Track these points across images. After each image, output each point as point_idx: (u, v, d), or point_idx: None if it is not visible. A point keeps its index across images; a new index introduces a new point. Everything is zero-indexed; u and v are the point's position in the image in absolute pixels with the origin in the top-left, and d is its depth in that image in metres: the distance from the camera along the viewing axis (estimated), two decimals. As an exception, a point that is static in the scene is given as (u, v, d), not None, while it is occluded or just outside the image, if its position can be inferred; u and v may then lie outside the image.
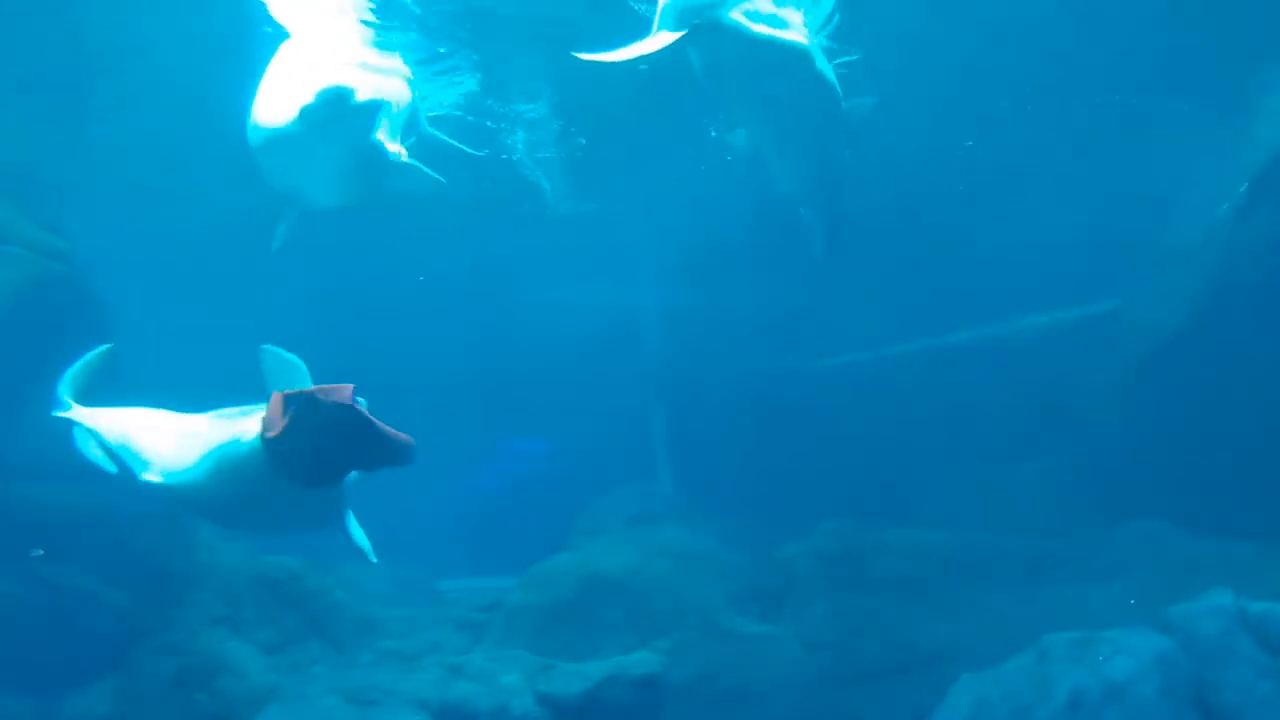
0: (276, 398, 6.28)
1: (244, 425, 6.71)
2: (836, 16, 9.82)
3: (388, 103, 9.13)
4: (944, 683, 9.43)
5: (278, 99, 8.66)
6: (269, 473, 6.47)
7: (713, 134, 11.77)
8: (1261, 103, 10.63)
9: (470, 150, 11.76)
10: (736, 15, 7.80)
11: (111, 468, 7.60)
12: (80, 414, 7.86)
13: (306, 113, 8.32)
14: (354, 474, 7.05)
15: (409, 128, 9.79)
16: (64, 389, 8.02)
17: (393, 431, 6.16)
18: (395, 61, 10.00)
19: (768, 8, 8.02)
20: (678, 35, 7.62)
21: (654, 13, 7.92)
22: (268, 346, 6.73)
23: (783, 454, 14.28)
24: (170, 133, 12.13)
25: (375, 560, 7.67)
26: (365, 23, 9.84)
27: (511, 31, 10.66)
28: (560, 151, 13.40)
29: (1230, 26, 10.78)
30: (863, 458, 13.43)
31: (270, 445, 6.29)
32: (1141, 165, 12.19)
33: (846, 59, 10.05)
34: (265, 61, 9.20)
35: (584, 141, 13.18)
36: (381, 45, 10.03)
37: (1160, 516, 11.14)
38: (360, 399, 6.12)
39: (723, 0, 7.75)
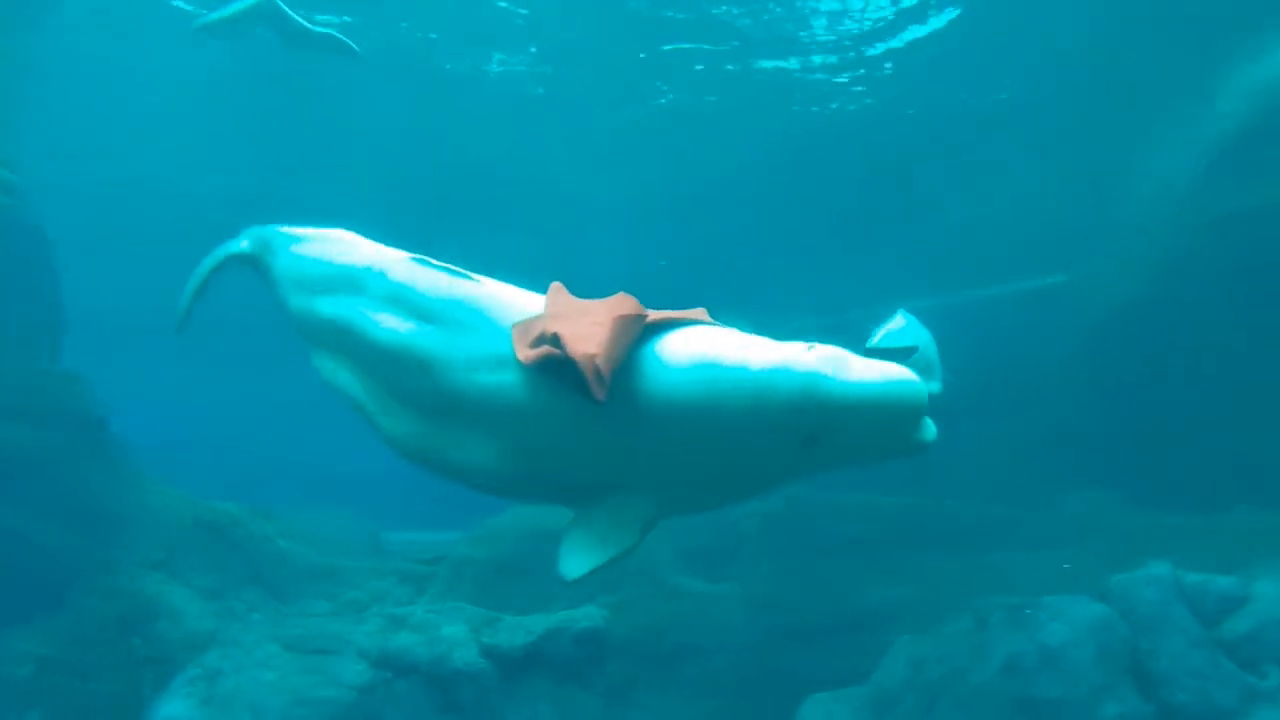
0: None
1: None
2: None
3: None
4: (885, 643, 9.56)
5: None
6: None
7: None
8: (1226, 76, 10.66)
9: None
10: None
11: None
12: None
13: None
14: None
15: None
16: None
17: None
18: None
19: None
20: None
21: None
22: None
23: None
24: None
25: None
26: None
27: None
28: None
29: (1199, 6, 10.83)
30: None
31: None
32: (1105, 139, 12.24)
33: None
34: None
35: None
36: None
37: (1104, 487, 11.29)
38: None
39: None
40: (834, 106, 14.69)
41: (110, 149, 15.19)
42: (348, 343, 5.07)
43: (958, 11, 12.31)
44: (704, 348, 4.14)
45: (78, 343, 11.57)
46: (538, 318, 4.41)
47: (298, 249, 5.57)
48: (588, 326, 4.15)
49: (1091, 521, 11.02)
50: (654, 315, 4.31)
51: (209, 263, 6.06)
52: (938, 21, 12.58)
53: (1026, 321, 13.03)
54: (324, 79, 13.76)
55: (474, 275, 4.82)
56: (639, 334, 4.20)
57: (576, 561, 4.23)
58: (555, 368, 4.15)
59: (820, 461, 4.06)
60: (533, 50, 13.87)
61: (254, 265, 5.97)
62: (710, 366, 4.06)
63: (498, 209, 16.37)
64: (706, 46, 13.49)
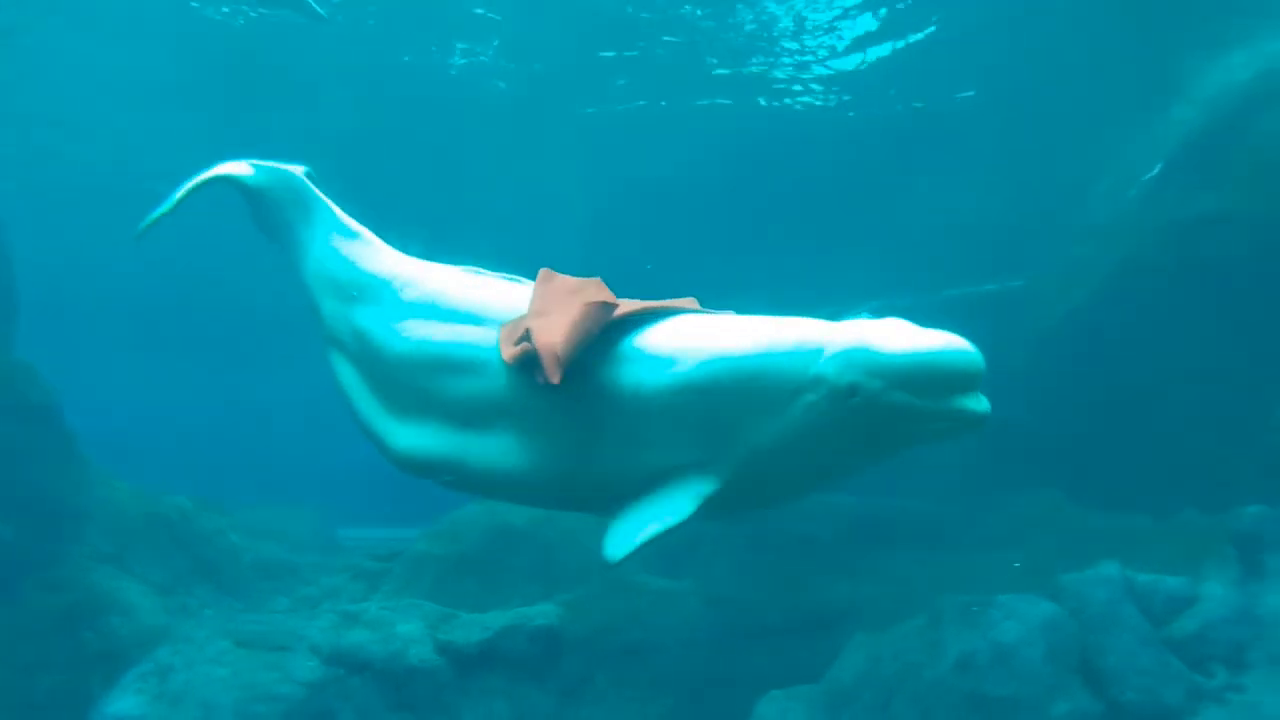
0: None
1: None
2: None
3: None
4: (841, 641, 9.62)
5: None
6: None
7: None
8: (1182, 84, 10.83)
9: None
10: None
11: None
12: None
13: None
14: None
15: None
16: None
17: None
18: None
19: None
20: None
21: None
22: None
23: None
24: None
25: None
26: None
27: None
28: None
29: (1157, 11, 10.98)
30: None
31: None
32: (1064, 144, 12.39)
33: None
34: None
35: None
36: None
37: (1056, 488, 11.42)
38: None
39: None
40: (797, 109, 14.77)
41: (59, 130, 14.96)
42: (377, 347, 4.83)
43: (931, 29, 12.42)
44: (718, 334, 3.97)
45: (30, 332, 11.40)
46: (523, 316, 4.35)
47: (339, 242, 5.30)
48: (558, 317, 4.13)
49: (1043, 522, 11.14)
50: (628, 306, 4.20)
51: (197, 180, 5.60)
52: (909, 34, 12.68)
53: (984, 324, 13.11)
54: (283, 67, 13.65)
55: (519, 279, 4.66)
56: (607, 320, 4.11)
57: (621, 540, 3.79)
58: (532, 364, 4.12)
59: (867, 444, 3.75)
60: (495, 43, 13.83)
61: (259, 203, 5.63)
62: (725, 352, 3.86)
63: (460, 204, 16.31)
64: (669, 39, 13.50)
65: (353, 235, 5.32)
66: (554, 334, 4.08)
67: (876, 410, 3.55)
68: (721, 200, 15.52)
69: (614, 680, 10.09)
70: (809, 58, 13.69)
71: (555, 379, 3.99)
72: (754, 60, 13.74)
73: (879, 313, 3.85)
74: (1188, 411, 10.28)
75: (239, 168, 5.66)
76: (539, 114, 14.71)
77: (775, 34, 13.27)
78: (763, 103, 14.58)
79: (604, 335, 4.09)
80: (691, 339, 3.97)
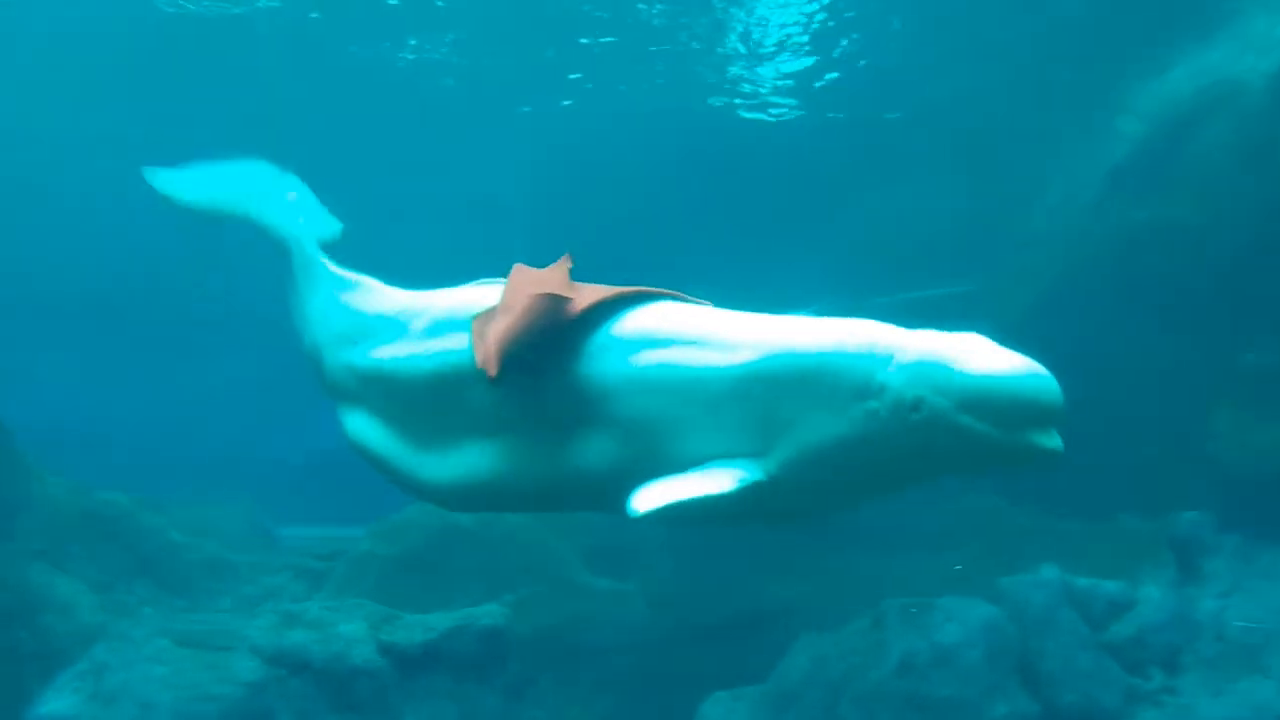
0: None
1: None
2: None
3: None
4: (785, 641, 9.67)
5: None
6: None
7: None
8: (1128, 95, 11.04)
9: None
10: None
11: None
12: None
13: None
14: None
15: None
16: None
17: None
18: None
19: None
20: None
21: None
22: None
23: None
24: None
25: None
26: None
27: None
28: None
29: (1102, 26, 11.18)
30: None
31: None
32: (1014, 151, 12.55)
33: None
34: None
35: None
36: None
37: (997, 493, 11.57)
38: None
39: None
40: (747, 112, 14.82)
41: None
42: (395, 382, 4.66)
43: (886, 36, 12.51)
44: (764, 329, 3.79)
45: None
46: (493, 310, 4.22)
47: (343, 296, 5.18)
48: (513, 313, 4.05)
49: (984, 525, 11.28)
50: (591, 294, 4.09)
51: (255, 208, 5.73)
52: (864, 42, 12.78)
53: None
54: (226, 56, 13.44)
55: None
56: (561, 311, 4.01)
57: (651, 496, 3.57)
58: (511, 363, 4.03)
59: (920, 463, 3.52)
60: (449, 39, 13.71)
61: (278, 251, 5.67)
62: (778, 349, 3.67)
63: (408, 200, 16.16)
64: (616, 39, 13.47)
65: (353, 286, 5.24)
66: (498, 330, 4.01)
67: (939, 430, 3.33)
68: (670, 201, 15.53)
69: (559, 681, 10.07)
70: (766, 65, 13.76)
71: (491, 373, 3.91)
72: (709, 63, 13.77)
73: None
74: (1127, 417, 10.47)
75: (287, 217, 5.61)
76: (486, 110, 14.60)
77: (727, 36, 13.31)
78: (714, 103, 14.59)
79: (645, 325, 3.96)
80: (756, 330, 3.80)
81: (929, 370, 3.37)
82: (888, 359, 3.46)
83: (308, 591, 10.57)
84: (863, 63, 13.06)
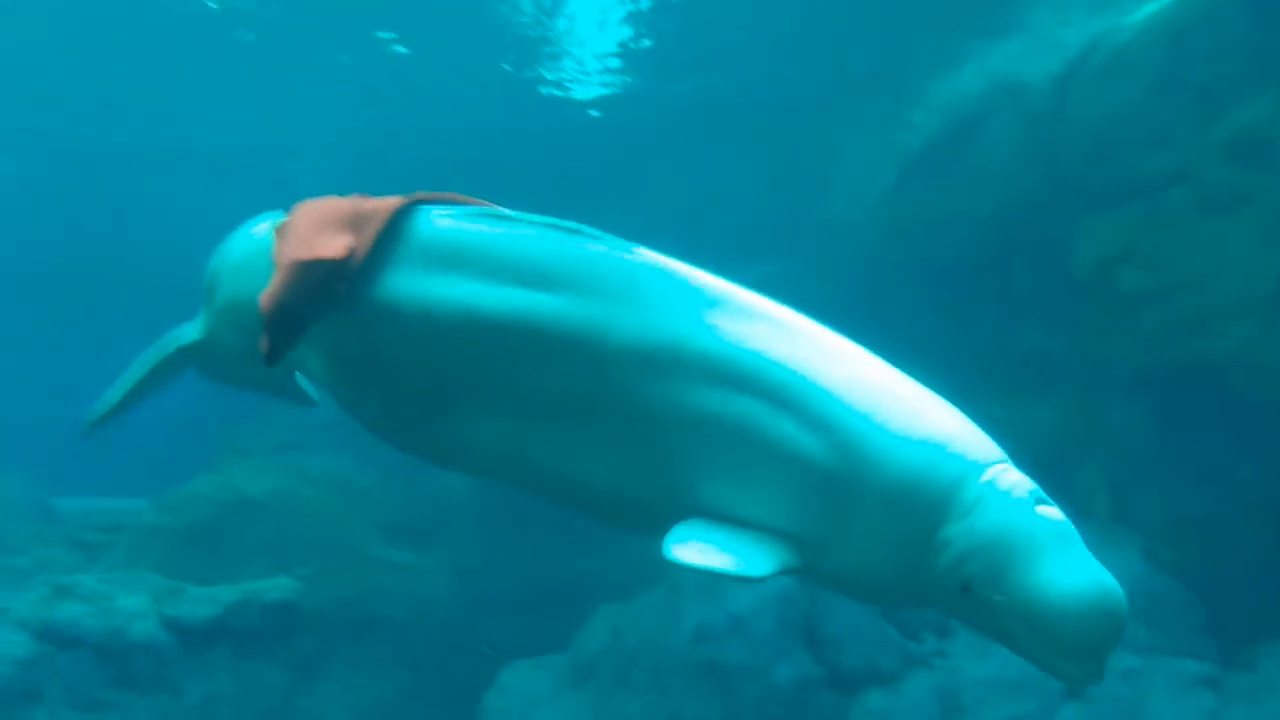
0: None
1: None
2: None
3: None
4: (587, 614, 9.76)
5: None
6: None
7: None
8: (920, 90, 11.51)
9: None
10: None
11: None
12: None
13: None
14: None
15: None
16: None
17: None
18: None
19: None
20: None
21: None
22: None
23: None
24: None
25: None
26: None
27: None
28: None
29: (901, 17, 11.63)
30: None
31: None
32: (816, 138, 12.90)
33: None
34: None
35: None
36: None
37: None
38: None
39: None
40: (562, 93, 14.76)
41: None
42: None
43: (686, 25, 12.64)
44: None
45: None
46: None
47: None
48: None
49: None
50: (369, 226, 3.49)
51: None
52: (667, 29, 12.89)
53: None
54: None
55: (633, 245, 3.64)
56: (341, 265, 3.42)
57: (690, 550, 3.07)
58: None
59: (951, 612, 3.11)
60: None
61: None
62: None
63: (202, 163, 15.45)
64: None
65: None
66: (265, 299, 3.44)
67: (979, 613, 2.93)
68: (477, 175, 15.32)
69: (354, 654, 9.86)
70: (576, 47, 13.73)
71: (266, 358, 3.43)
72: (519, 34, 13.63)
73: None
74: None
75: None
76: (286, 65, 14.02)
77: (548, 23, 13.21)
78: (508, 69, 14.34)
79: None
80: (847, 402, 3.16)
81: (994, 555, 2.84)
82: (966, 505, 2.95)
83: (84, 563, 10.02)
84: (668, 44, 13.19)
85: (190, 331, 4.53)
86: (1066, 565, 2.78)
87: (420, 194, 3.68)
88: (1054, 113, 10.18)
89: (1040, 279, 10.02)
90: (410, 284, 3.47)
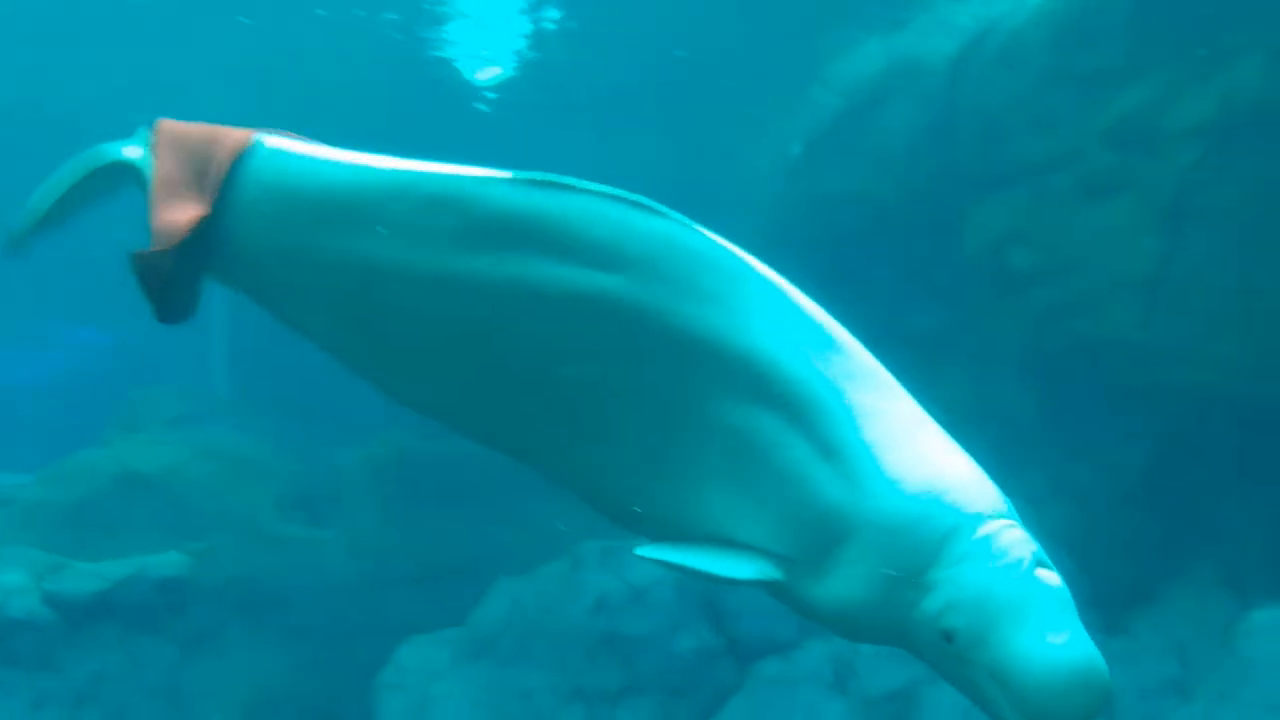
0: None
1: None
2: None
3: None
4: (484, 586, 9.76)
5: None
6: None
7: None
8: (826, 71, 11.66)
9: None
10: None
11: None
12: None
13: None
14: None
15: None
16: None
17: None
18: None
19: None
20: None
21: None
22: None
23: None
24: None
25: None
26: None
27: None
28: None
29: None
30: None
31: None
32: (726, 115, 12.98)
33: None
34: None
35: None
36: None
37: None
38: None
39: None
40: (464, 66, 14.59)
41: None
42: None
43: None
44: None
45: None
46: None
47: None
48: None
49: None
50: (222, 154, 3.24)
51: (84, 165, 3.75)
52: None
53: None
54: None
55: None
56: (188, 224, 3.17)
57: (664, 552, 3.06)
58: None
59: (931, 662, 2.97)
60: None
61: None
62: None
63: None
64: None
65: None
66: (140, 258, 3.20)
67: (959, 667, 2.83)
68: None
69: (247, 630, 9.71)
70: (474, 11, 13.56)
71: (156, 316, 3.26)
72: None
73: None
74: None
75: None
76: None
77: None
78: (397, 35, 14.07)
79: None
80: (873, 449, 2.99)
81: (981, 612, 2.76)
82: (957, 555, 2.86)
83: (-38, 541, 9.66)
84: (574, 24, 13.13)
85: (133, 152, 3.76)
86: (1053, 635, 2.69)
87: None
88: (949, 95, 10.41)
89: (936, 259, 10.26)
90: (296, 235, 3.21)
